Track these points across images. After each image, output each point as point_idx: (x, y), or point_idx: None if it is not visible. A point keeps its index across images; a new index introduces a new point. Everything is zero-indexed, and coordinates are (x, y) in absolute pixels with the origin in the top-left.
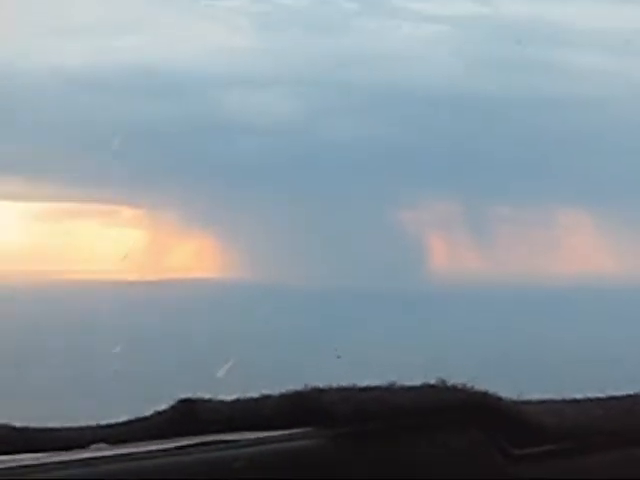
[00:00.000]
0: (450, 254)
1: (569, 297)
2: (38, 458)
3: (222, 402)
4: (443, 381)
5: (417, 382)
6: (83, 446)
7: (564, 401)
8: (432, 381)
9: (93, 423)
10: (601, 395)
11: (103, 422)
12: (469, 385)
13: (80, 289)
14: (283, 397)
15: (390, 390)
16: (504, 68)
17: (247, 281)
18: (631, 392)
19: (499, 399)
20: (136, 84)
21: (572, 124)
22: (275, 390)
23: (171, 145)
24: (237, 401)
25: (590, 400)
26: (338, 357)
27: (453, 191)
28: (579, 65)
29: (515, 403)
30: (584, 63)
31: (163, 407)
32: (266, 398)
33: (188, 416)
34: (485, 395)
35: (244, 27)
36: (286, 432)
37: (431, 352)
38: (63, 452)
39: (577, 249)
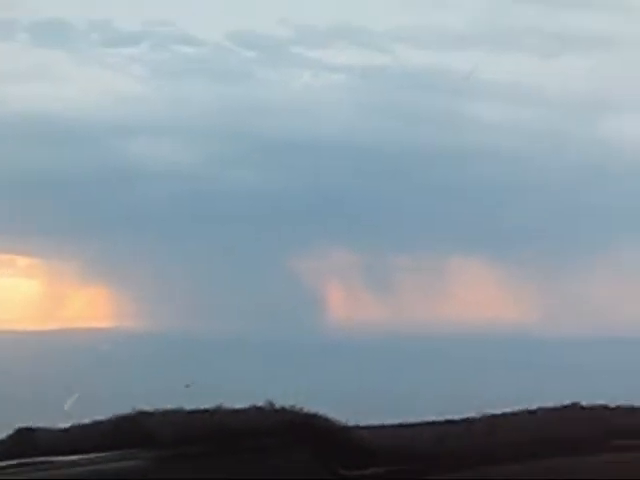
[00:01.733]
0: (345, 304)
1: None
2: None
3: (59, 429)
4: (271, 403)
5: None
6: None
7: (399, 425)
8: (260, 404)
9: None
10: (437, 419)
11: None
12: (298, 407)
13: None
14: (112, 421)
15: (217, 412)
16: (402, 117)
17: (139, 330)
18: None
19: (327, 420)
20: (35, 132)
21: (470, 174)
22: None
23: (68, 194)
24: (73, 427)
25: (425, 424)
26: (187, 386)
27: (351, 241)
28: (479, 115)
29: (345, 426)
30: (485, 113)
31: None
32: (99, 423)
33: (27, 442)
34: (312, 416)
35: (144, 76)
36: (111, 453)
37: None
38: None
39: (473, 298)
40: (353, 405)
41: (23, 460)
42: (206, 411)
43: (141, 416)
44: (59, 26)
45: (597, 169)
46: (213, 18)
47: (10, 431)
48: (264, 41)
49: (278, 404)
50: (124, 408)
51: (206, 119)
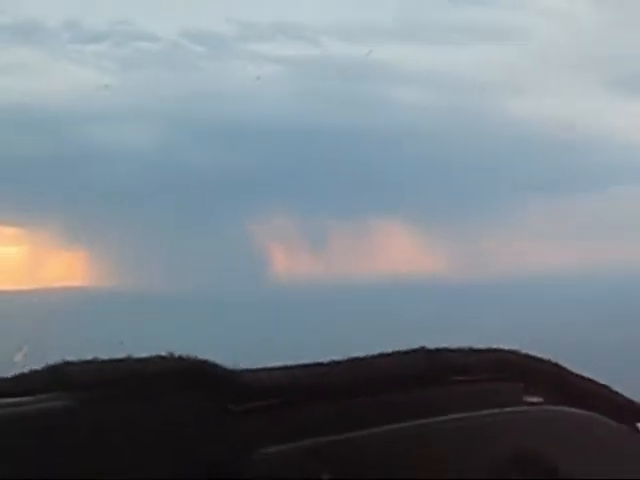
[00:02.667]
0: (284, 262)
1: (379, 294)
2: None
3: (1, 378)
4: (171, 353)
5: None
6: None
7: (285, 367)
8: (163, 353)
9: None
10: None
11: None
12: (192, 355)
13: None
14: (43, 369)
15: (127, 360)
16: (333, 102)
17: (108, 289)
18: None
19: (216, 366)
20: (14, 120)
21: (393, 149)
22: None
23: (45, 173)
24: (13, 377)
25: (300, 366)
26: (121, 343)
27: (290, 209)
28: (399, 99)
29: (232, 370)
30: (404, 97)
31: None
32: (34, 372)
33: None
34: (204, 362)
35: (109, 69)
36: (39, 396)
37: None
38: None
39: (391, 251)
40: (262, 351)
41: None
42: (118, 360)
43: (65, 365)
44: (33, 26)
45: (501, 143)
46: (167, 18)
47: None
48: (212, 37)
49: (178, 354)
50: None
51: (162, 106)
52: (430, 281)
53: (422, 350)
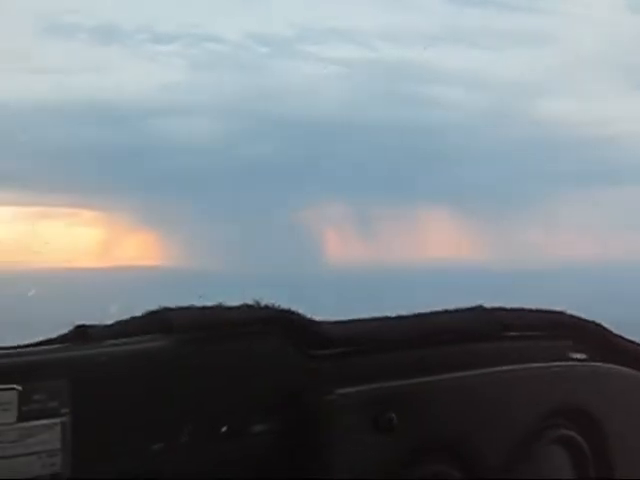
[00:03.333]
0: (341, 246)
1: (426, 275)
2: None
3: (105, 325)
4: (258, 302)
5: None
6: None
7: (358, 320)
8: (250, 302)
9: None
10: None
11: None
12: (277, 305)
13: (49, 274)
14: (143, 315)
15: (219, 308)
16: (384, 99)
17: (177, 266)
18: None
19: (298, 315)
20: (94, 114)
21: (437, 143)
22: None
23: (120, 162)
24: (115, 322)
25: (382, 318)
26: (200, 296)
27: (344, 198)
28: (441, 98)
29: (311, 319)
30: (448, 95)
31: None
32: (134, 317)
33: (82, 335)
34: (289, 311)
35: (180, 67)
36: (139, 337)
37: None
38: None
39: (439, 239)
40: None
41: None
42: (210, 307)
43: (164, 310)
44: (112, 28)
45: (536, 141)
46: (234, 21)
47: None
48: (274, 39)
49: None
50: None
51: (228, 102)
52: (474, 267)
53: (479, 308)
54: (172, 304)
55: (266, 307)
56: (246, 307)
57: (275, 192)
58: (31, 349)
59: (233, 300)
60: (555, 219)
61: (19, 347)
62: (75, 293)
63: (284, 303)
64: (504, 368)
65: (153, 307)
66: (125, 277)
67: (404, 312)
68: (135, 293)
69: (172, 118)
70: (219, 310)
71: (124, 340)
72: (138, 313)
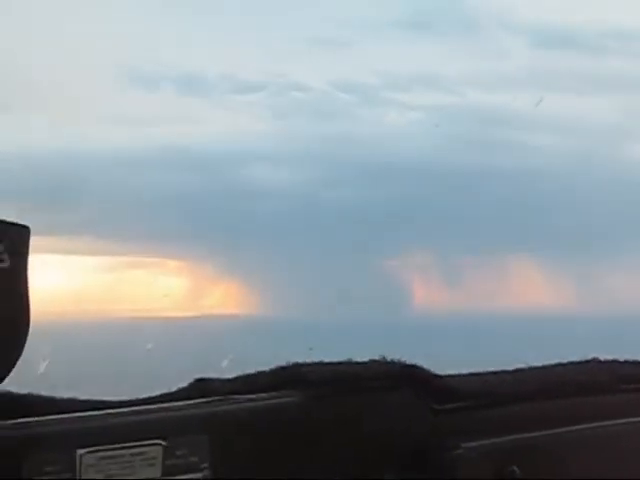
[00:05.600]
0: (428, 294)
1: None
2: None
3: (226, 379)
4: (384, 357)
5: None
6: None
7: (478, 373)
8: (376, 357)
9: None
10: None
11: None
12: (403, 359)
13: (136, 323)
14: (271, 370)
15: (346, 363)
16: (470, 145)
17: (260, 315)
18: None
19: (423, 369)
20: (178, 162)
21: (523, 189)
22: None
23: (204, 211)
24: (238, 376)
25: (500, 372)
26: (310, 349)
27: (429, 244)
28: (529, 143)
29: (436, 374)
30: (533, 142)
31: (184, 384)
32: (260, 372)
33: (203, 389)
34: (414, 366)
35: (264, 116)
36: (274, 393)
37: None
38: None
39: (523, 288)
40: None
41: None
42: (339, 363)
43: (295, 365)
44: (195, 78)
45: (623, 185)
46: (318, 69)
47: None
48: (359, 87)
49: (389, 358)
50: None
51: (312, 149)
52: (560, 314)
53: (594, 360)
54: (263, 353)
55: (392, 362)
56: (373, 362)
57: (360, 238)
58: (172, 404)
59: (343, 350)
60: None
61: (150, 400)
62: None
63: (385, 353)
64: (622, 421)
65: (258, 360)
66: (210, 326)
67: (518, 364)
68: (224, 343)
69: (255, 166)
70: (348, 365)
71: (259, 396)
72: (250, 369)
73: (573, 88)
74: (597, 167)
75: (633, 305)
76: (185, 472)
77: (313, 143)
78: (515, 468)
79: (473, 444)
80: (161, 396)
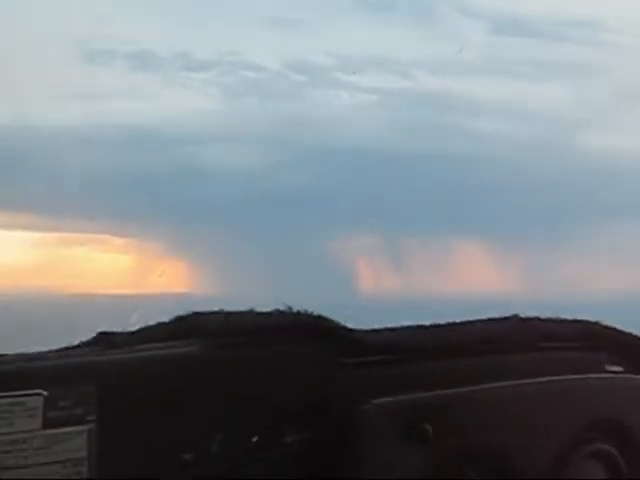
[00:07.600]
0: (372, 276)
1: (455, 307)
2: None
3: (130, 331)
4: (290, 308)
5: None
6: None
7: (393, 328)
8: (282, 308)
9: None
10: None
11: None
12: (309, 311)
13: (80, 300)
14: (171, 321)
15: (250, 313)
16: (417, 129)
17: (208, 294)
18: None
19: (331, 321)
20: (128, 140)
21: (468, 175)
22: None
23: (153, 189)
24: (141, 328)
25: (416, 326)
26: None
27: (377, 228)
28: (479, 128)
29: (344, 327)
30: (481, 127)
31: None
32: (161, 323)
33: (106, 342)
34: (321, 317)
35: (215, 95)
36: (171, 342)
37: None
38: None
39: (468, 272)
40: None
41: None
42: (241, 312)
43: (194, 315)
44: (148, 55)
45: (572, 173)
46: (272, 49)
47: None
48: (312, 68)
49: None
50: None
51: (263, 130)
52: (504, 299)
53: (515, 317)
54: None
55: (298, 313)
56: (278, 313)
57: (306, 220)
58: (56, 353)
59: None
60: (591, 252)
61: (42, 352)
62: (102, 318)
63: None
64: (540, 380)
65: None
66: (155, 303)
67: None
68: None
69: (205, 146)
70: (251, 316)
71: (154, 345)
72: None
73: (527, 74)
74: (549, 154)
75: (581, 292)
76: (68, 424)
77: (263, 124)
78: (427, 426)
79: (382, 400)
80: (63, 349)
